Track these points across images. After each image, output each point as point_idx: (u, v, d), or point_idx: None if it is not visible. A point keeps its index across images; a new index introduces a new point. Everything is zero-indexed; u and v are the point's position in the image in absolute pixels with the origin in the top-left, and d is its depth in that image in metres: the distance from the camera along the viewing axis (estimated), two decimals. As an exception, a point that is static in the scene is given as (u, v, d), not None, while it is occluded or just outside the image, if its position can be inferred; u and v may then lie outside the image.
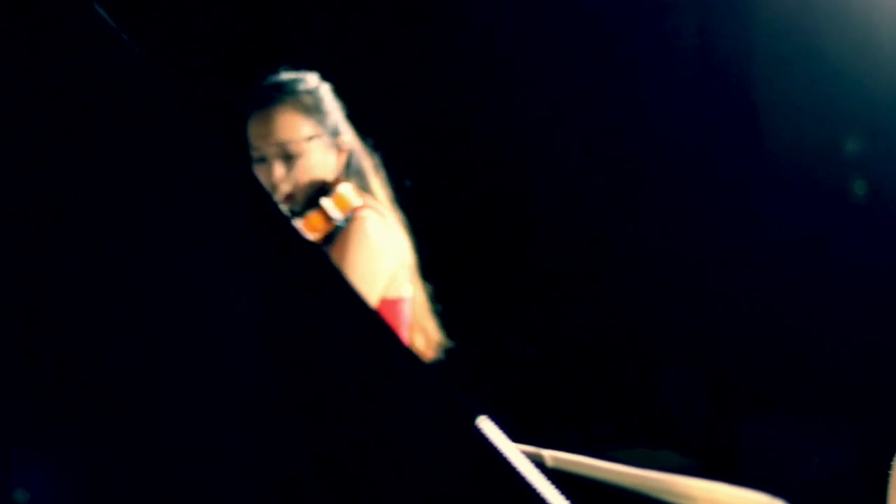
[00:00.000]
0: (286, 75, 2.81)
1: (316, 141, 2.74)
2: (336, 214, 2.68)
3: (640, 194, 5.23)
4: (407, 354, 1.11)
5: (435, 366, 2.86)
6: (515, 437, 1.49)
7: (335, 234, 2.67)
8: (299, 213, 2.69)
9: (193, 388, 1.03)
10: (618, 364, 5.27)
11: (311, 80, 2.82)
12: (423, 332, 2.84)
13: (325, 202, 2.68)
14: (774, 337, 5.04)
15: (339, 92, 2.87)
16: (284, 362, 1.05)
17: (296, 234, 1.08)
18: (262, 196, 1.08)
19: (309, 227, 2.65)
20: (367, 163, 2.84)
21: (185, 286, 1.05)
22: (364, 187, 2.80)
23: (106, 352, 1.03)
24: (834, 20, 4.69)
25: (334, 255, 2.63)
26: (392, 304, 2.70)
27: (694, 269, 5.21)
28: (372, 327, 1.10)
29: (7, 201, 1.03)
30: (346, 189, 2.73)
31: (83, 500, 1.02)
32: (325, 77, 2.88)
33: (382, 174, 2.86)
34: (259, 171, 2.73)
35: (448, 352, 2.92)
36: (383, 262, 2.67)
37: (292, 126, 2.73)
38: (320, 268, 1.13)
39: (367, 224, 2.67)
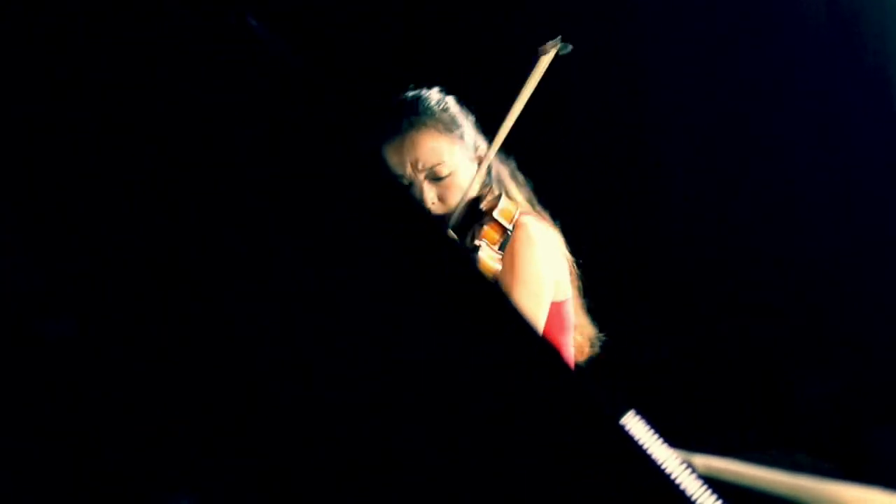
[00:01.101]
0: (412, 94, 2.80)
1: (461, 158, 2.73)
2: (506, 224, 2.66)
3: (780, 195, 5.15)
4: (554, 354, 1.11)
5: (585, 364, 2.85)
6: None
7: (504, 243, 2.65)
8: (475, 234, 2.68)
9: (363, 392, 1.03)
10: (752, 367, 5.20)
11: (437, 95, 2.80)
12: (580, 330, 2.83)
13: (496, 213, 2.66)
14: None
15: (465, 101, 2.86)
16: (428, 364, 1.05)
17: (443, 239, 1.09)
18: (412, 204, 1.08)
19: (490, 240, 2.63)
20: (504, 169, 2.82)
21: (328, 290, 1.05)
22: (506, 193, 2.79)
23: (255, 357, 1.04)
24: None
25: (508, 261, 2.62)
26: (558, 306, 2.69)
27: (830, 272, 5.12)
28: (516, 327, 1.10)
29: (164, 204, 1.05)
30: (503, 200, 2.72)
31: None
32: (449, 88, 2.87)
33: (520, 178, 2.85)
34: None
35: (601, 346, 2.91)
36: (551, 266, 2.66)
37: (438, 149, 2.70)
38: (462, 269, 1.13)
39: (533, 230, 2.66)
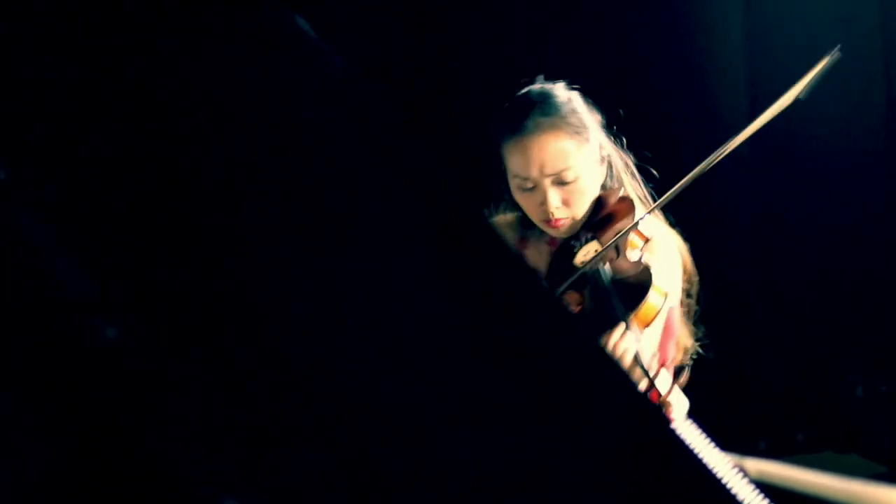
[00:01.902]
0: (537, 90, 2.67)
1: (588, 161, 2.61)
2: (646, 231, 2.58)
3: (830, 197, 5.09)
4: (604, 356, 1.10)
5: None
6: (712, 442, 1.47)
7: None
8: (583, 240, 2.60)
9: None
10: (805, 369, 5.16)
11: (564, 92, 2.67)
12: (680, 338, 2.74)
13: (642, 227, 2.57)
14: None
15: (593, 96, 2.73)
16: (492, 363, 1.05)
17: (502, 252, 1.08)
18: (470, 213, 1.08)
19: (633, 247, 2.54)
20: (622, 165, 2.71)
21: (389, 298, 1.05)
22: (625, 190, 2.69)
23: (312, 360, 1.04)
24: None
25: (659, 268, 2.54)
26: (672, 311, 2.63)
27: (883, 273, 5.06)
28: (574, 334, 1.09)
29: (226, 215, 1.05)
30: (638, 205, 2.63)
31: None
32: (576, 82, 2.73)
33: (637, 175, 2.74)
34: (526, 197, 2.62)
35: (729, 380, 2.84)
36: (678, 265, 2.61)
37: (566, 153, 2.57)
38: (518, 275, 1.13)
39: (671, 241, 2.62)
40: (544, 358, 1.04)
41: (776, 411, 5.14)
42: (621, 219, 2.58)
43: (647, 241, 2.56)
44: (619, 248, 2.55)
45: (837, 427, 5.08)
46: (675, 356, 2.72)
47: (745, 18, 5.03)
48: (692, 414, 2.45)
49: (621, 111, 2.73)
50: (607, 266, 2.48)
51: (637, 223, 2.54)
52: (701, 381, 4.73)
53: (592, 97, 2.72)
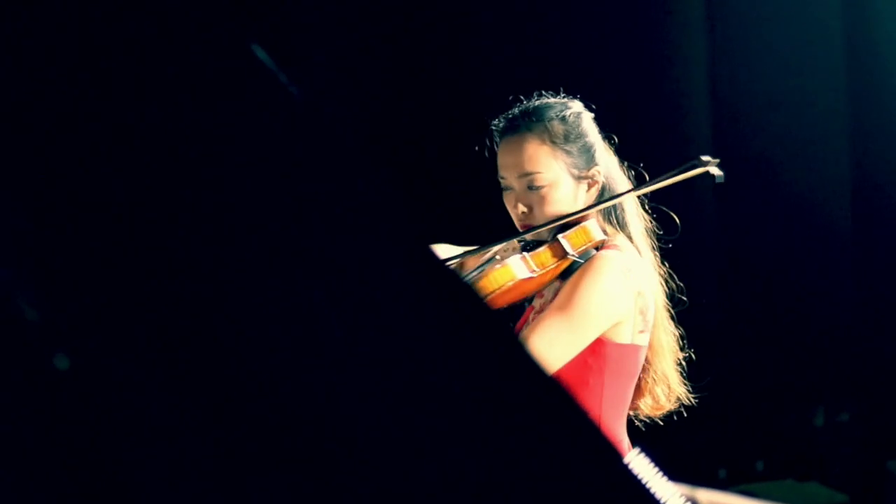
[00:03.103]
0: (542, 101, 2.70)
1: (562, 172, 2.63)
2: (570, 251, 2.57)
3: (799, 218, 5.12)
4: (559, 392, 1.10)
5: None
6: (661, 472, 1.47)
7: (573, 269, 2.56)
8: (533, 247, 2.60)
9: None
10: (766, 397, 5.17)
11: (571, 106, 2.69)
12: (664, 382, 2.71)
13: (561, 238, 2.57)
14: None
15: (600, 119, 2.73)
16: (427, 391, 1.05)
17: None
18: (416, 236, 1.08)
19: (537, 263, 2.55)
20: (626, 197, 2.69)
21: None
22: (619, 221, 2.69)
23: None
24: None
25: (563, 290, 2.54)
26: (619, 348, 2.56)
27: (850, 303, 5.09)
28: (524, 365, 1.09)
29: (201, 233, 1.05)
30: (590, 224, 2.61)
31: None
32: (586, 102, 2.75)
33: (638, 205, 2.74)
34: (505, 198, 2.66)
35: (688, 407, 2.80)
36: (612, 305, 2.53)
37: (537, 157, 2.61)
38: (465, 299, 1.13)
39: (604, 263, 2.54)
40: (495, 380, 1.05)
41: (736, 439, 5.15)
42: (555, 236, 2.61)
43: (564, 257, 2.56)
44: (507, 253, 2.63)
45: (798, 455, 5.10)
46: (663, 404, 2.72)
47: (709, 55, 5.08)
48: (651, 442, 2.45)
49: (614, 137, 2.76)
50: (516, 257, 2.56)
51: (555, 238, 2.56)
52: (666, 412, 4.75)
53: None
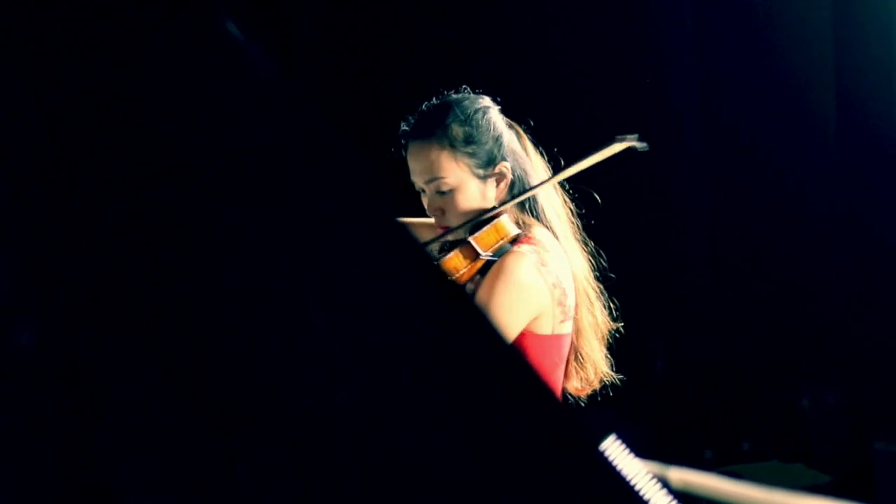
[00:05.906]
0: (444, 101, 2.68)
1: (466, 175, 2.63)
2: (481, 251, 2.57)
3: (787, 207, 5.13)
4: (532, 379, 1.10)
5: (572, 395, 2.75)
6: (646, 452, 1.47)
7: (490, 266, 2.56)
8: (449, 250, 2.61)
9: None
10: (752, 379, 5.19)
11: (473, 104, 2.68)
12: (590, 362, 2.70)
13: (472, 239, 2.57)
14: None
15: (518, 112, 2.73)
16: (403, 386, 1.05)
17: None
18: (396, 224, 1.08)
19: (450, 267, 2.55)
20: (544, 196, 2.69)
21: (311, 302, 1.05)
22: (533, 212, 2.67)
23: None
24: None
25: (481, 289, 2.54)
26: (541, 339, 2.58)
27: (836, 284, 5.11)
28: (497, 356, 1.09)
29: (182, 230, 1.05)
30: (501, 220, 2.61)
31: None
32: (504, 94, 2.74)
33: (558, 194, 2.73)
34: (422, 201, 2.67)
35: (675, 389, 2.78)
36: (529, 300, 2.53)
37: (438, 163, 2.62)
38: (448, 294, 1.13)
39: (517, 259, 2.54)
40: (465, 365, 1.05)
41: (722, 420, 5.17)
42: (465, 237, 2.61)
43: (476, 259, 2.56)
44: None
45: (784, 437, 5.12)
46: (592, 383, 2.72)
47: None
48: (639, 422, 2.45)
49: (531, 121, 2.76)
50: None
51: (465, 240, 2.56)
52: (647, 391, 4.77)
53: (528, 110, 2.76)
